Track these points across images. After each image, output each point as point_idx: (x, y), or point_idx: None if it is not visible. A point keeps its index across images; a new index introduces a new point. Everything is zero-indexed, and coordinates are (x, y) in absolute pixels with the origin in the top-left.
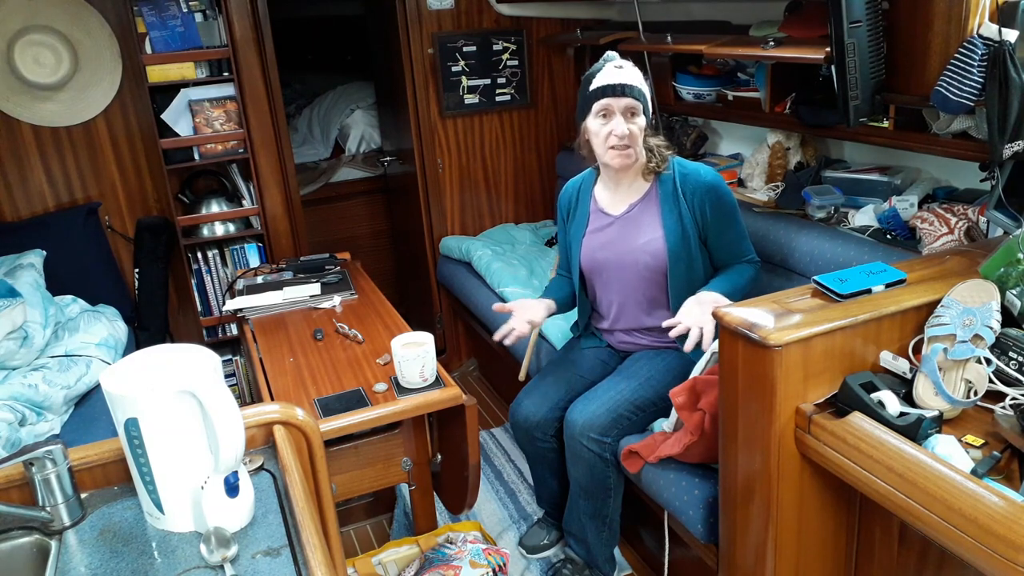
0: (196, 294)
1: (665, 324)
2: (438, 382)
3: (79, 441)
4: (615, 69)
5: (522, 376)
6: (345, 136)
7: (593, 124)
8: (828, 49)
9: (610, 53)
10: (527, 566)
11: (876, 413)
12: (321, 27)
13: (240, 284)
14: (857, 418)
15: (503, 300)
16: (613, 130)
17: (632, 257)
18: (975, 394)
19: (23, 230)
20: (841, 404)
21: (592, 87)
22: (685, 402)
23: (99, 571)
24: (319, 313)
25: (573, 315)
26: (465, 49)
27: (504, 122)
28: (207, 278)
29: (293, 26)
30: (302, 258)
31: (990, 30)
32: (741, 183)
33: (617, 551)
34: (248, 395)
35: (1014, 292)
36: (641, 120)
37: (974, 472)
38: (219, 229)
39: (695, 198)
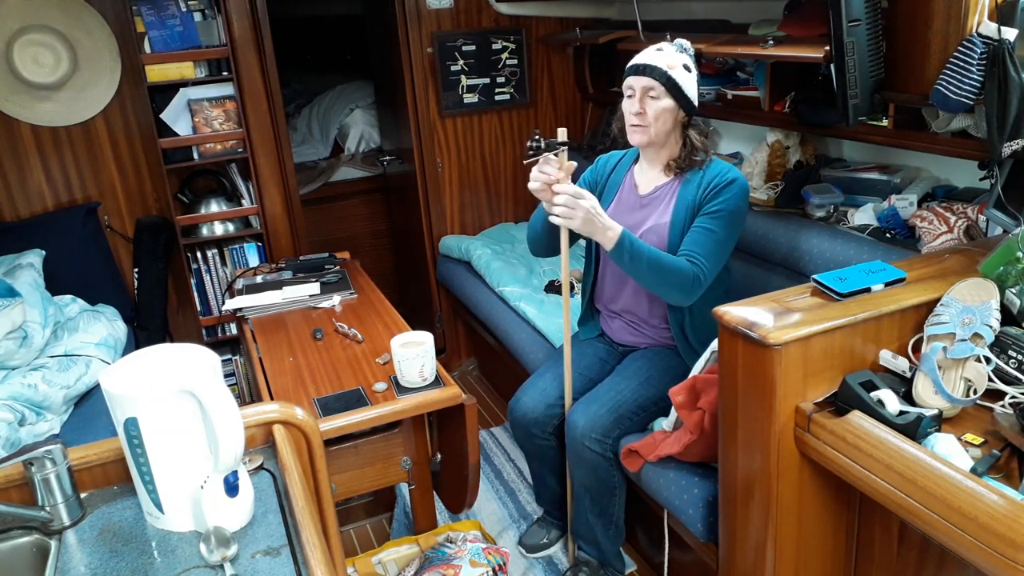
0: (195, 294)
1: (555, 188)
2: (438, 381)
3: (79, 441)
4: (652, 51)
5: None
6: (344, 135)
7: (623, 103)
8: (827, 48)
9: (672, 42)
10: (527, 566)
11: (876, 412)
12: (321, 27)
13: (239, 284)
14: (857, 417)
15: (503, 300)
16: (630, 108)
17: (640, 237)
18: (974, 392)
19: (22, 230)
20: (841, 403)
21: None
22: (684, 401)
23: (99, 571)
24: (319, 313)
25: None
26: (464, 48)
27: (503, 121)
28: (206, 278)
29: (293, 25)
30: (301, 257)
31: (989, 29)
32: None
33: (621, 548)
34: (248, 395)
35: (1013, 290)
36: (662, 103)
37: (974, 471)
38: (218, 229)
39: (711, 187)
